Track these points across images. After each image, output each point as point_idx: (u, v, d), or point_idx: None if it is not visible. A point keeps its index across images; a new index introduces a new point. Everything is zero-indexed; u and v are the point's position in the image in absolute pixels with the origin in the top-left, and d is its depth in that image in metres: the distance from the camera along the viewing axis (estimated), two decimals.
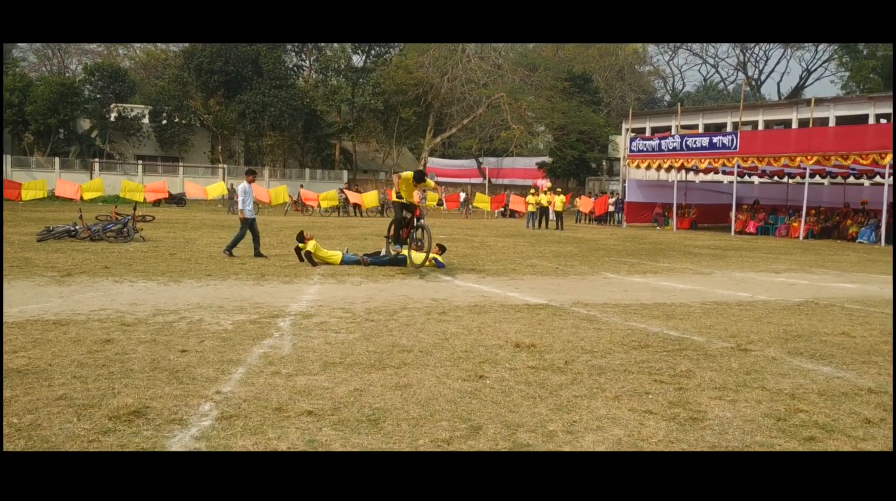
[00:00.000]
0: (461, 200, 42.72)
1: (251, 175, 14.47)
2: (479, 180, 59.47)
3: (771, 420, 4.51)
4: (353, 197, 35.62)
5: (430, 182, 12.75)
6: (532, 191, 32.81)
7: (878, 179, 29.68)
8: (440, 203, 39.20)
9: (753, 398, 4.99)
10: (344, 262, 12.84)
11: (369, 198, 35.54)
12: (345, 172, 55.72)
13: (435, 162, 64.78)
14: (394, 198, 12.42)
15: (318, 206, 35.31)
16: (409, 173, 12.21)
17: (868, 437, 4.26)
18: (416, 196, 12.35)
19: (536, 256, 16.28)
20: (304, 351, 6.03)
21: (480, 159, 61.34)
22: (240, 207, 13.99)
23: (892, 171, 25.13)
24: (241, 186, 14.13)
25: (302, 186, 43.15)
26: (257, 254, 13.64)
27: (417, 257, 12.12)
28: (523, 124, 52.62)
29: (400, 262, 12.69)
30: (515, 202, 39.50)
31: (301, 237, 12.97)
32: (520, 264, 14.31)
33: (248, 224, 13.79)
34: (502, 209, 41.82)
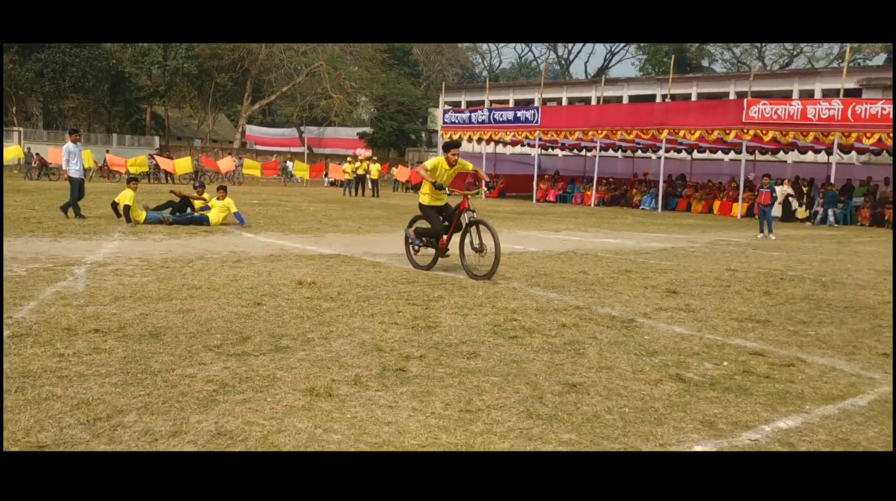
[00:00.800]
0: (279, 167, 42.63)
1: (75, 134, 14.63)
2: (300, 149, 59.25)
3: (489, 326, 5.67)
4: (163, 163, 34.62)
5: (467, 163, 9.16)
6: (349, 159, 33.52)
7: (661, 153, 33.10)
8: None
9: (483, 313, 6.16)
10: (147, 221, 13.03)
11: (181, 164, 34.66)
12: (157, 138, 53.46)
13: (254, 130, 63.71)
14: (424, 201, 9.04)
15: (126, 172, 33.99)
16: (435, 159, 8.88)
17: (558, 335, 5.50)
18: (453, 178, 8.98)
19: (343, 218, 17.13)
20: (97, 290, 6.53)
21: (301, 128, 61.06)
22: (64, 167, 14.08)
23: (666, 145, 28.34)
24: (66, 146, 14.22)
25: (108, 151, 41.15)
26: (64, 209, 13.53)
27: (480, 261, 8.19)
28: (343, 94, 53.04)
29: (203, 221, 13.09)
30: (334, 171, 40.02)
31: (131, 180, 13.52)
32: (325, 224, 15.10)
33: (77, 183, 13.69)
34: (330, 179, 42.16)
